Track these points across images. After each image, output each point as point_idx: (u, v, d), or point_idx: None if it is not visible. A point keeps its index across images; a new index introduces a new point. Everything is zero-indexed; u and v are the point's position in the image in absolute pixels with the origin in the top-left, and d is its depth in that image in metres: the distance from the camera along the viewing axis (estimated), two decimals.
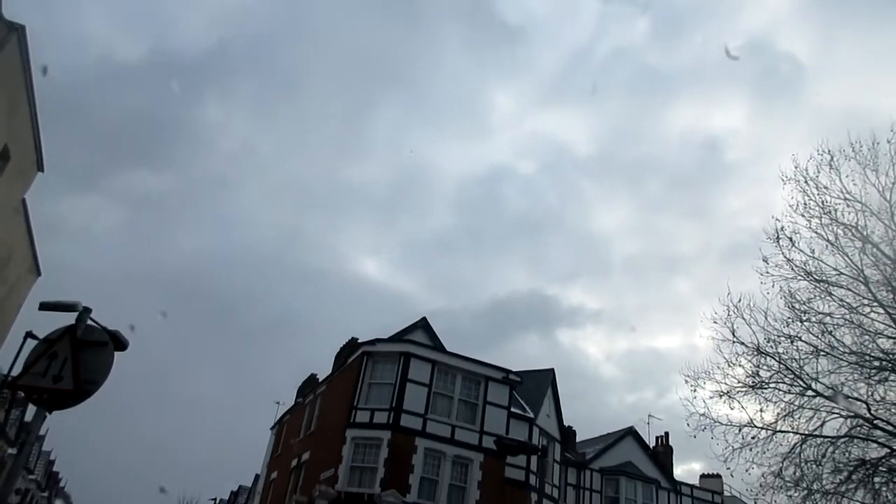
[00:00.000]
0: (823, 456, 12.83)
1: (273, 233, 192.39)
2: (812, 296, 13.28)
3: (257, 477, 42.99)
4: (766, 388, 13.37)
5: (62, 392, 4.96)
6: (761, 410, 13.71)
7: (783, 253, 13.54)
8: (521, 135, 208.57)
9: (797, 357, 13.12)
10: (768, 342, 13.39)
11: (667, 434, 39.87)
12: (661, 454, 38.26)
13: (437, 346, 26.55)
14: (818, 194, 13.39)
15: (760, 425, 13.28)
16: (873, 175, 12.97)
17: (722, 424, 13.49)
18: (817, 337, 13.00)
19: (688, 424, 13.77)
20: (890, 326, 12.50)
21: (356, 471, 23.05)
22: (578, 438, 38.01)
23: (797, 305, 13.28)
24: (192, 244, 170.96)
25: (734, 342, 13.76)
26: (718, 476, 38.53)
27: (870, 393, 12.70)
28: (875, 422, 12.44)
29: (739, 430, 13.31)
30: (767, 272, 13.72)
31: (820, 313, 13.08)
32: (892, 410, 12.65)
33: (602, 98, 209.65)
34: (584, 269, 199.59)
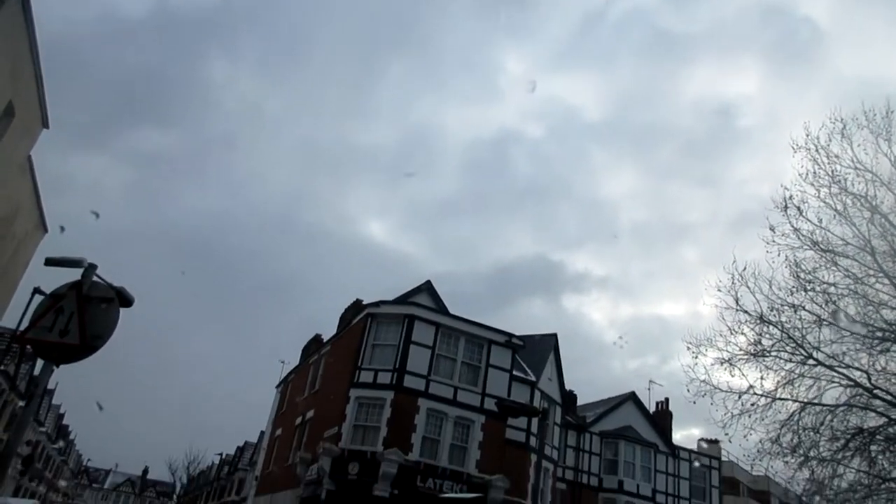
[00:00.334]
0: (821, 424, 12.95)
1: (280, 194, 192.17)
2: (818, 265, 13.24)
3: (262, 434, 43.85)
4: (767, 357, 13.42)
5: (69, 346, 5.02)
6: (762, 378, 13.81)
7: (790, 222, 13.45)
8: (530, 99, 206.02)
9: (800, 326, 13.14)
10: (772, 311, 13.40)
11: (667, 400, 40.39)
12: (661, 419, 38.78)
13: (441, 308, 26.71)
14: (828, 163, 13.25)
15: (760, 393, 13.38)
16: (886, 144, 12.80)
17: (722, 391, 13.60)
18: (821, 306, 13.01)
19: (688, 391, 13.88)
20: (894, 297, 12.48)
21: (359, 429, 23.46)
22: (580, 402, 38.51)
23: (802, 275, 13.24)
24: (199, 204, 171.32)
25: (737, 310, 13.78)
26: (717, 441, 39.04)
27: (871, 363, 12.76)
28: (875, 391, 12.51)
29: (739, 397, 13.42)
30: (774, 241, 13.66)
31: (825, 283, 13.06)
32: (893, 380, 12.71)
33: (613, 62, 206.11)
34: (590, 235, 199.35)
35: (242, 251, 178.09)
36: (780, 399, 13.26)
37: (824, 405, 13.00)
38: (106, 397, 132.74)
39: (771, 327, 13.37)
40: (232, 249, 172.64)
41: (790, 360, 13.22)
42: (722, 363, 13.74)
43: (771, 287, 13.52)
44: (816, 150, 13.38)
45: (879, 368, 12.73)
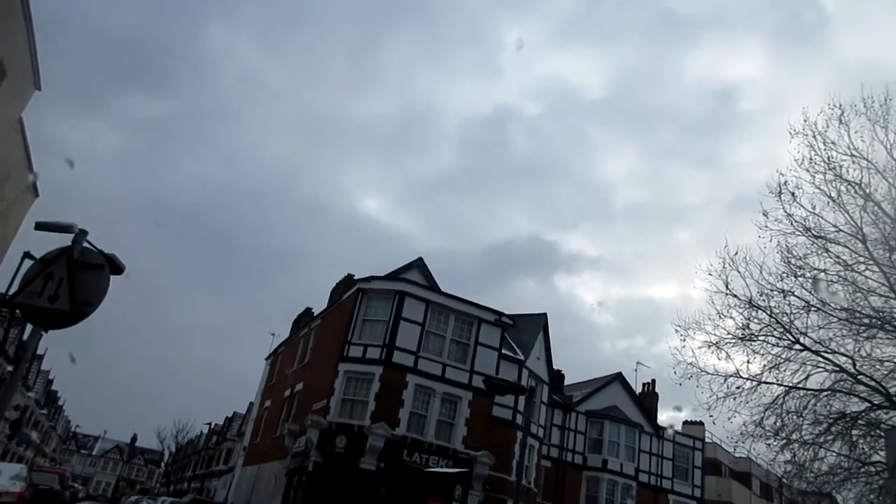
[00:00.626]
0: (805, 408, 13.12)
1: (276, 165, 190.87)
2: (809, 251, 13.29)
3: (251, 405, 44.08)
4: (754, 341, 13.54)
5: (58, 312, 4.98)
6: (748, 362, 13.97)
7: (784, 207, 13.48)
8: (531, 76, 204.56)
9: (788, 311, 13.24)
10: (761, 296, 13.49)
11: (653, 381, 40.84)
12: (647, 400, 39.23)
13: (433, 286, 26.75)
14: (825, 149, 13.24)
15: (746, 376, 13.53)
16: (882, 132, 12.78)
17: (708, 374, 13.74)
18: (810, 292, 13.10)
19: (675, 372, 14.01)
20: (883, 285, 12.57)
21: (347, 403, 23.60)
22: (567, 382, 38.86)
23: (793, 260, 13.31)
24: (194, 173, 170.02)
25: (727, 294, 13.86)
26: (701, 423, 39.65)
27: (857, 349, 12.90)
28: (859, 377, 12.67)
29: (725, 380, 13.56)
30: (766, 226, 13.70)
31: (815, 269, 13.13)
32: (877, 367, 12.87)
33: (617, 41, 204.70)
34: (586, 215, 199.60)
35: (237, 222, 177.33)
36: (766, 383, 13.41)
37: (809, 389, 13.17)
38: (96, 364, 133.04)
39: (759, 312, 13.48)
40: (226, 220, 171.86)
41: (777, 345, 13.36)
42: (709, 346, 13.86)
43: (761, 272, 13.60)
44: (814, 136, 13.38)
45: (865, 354, 12.88)
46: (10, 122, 17.29)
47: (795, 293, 13.15)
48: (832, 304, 12.94)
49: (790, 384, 13.21)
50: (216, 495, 42.60)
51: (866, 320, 12.62)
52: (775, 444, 13.33)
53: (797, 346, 13.14)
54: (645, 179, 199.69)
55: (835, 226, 13.07)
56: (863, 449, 12.98)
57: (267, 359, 40.69)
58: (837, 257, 12.94)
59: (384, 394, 23.29)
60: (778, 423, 13.15)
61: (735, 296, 13.74)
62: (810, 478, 13.78)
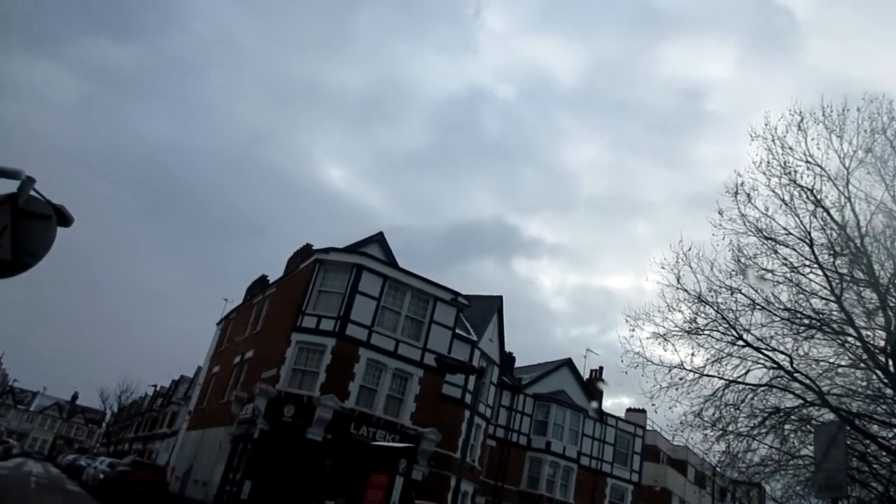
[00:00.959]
0: (742, 401, 13.60)
1: (239, 128, 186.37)
2: (759, 252, 13.69)
3: (199, 369, 43.46)
4: (700, 335, 13.93)
5: None
6: (692, 355, 14.41)
7: (739, 208, 13.83)
8: (507, 58, 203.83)
9: (734, 308, 13.65)
10: (710, 292, 13.86)
11: (601, 368, 41.78)
12: (594, 386, 40.15)
13: (391, 261, 26.66)
14: (782, 154, 13.57)
15: (690, 368, 13.92)
16: (838, 141, 13.14)
17: (654, 364, 14.09)
18: (756, 291, 13.52)
19: (622, 361, 14.34)
20: (825, 288, 13.05)
21: (298, 373, 23.48)
22: (518, 364, 39.43)
23: (743, 260, 13.71)
24: (153, 130, 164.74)
25: (678, 288, 14.20)
26: (643, 411, 40.87)
27: (795, 348, 13.40)
28: (795, 374, 13.18)
29: (669, 371, 13.93)
30: (721, 225, 14.05)
31: (763, 269, 13.55)
32: (812, 366, 13.41)
33: (594, 31, 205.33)
34: (549, 202, 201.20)
35: (196, 183, 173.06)
36: (708, 375, 13.83)
37: (747, 384, 13.63)
38: (39, 318, 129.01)
39: (707, 307, 13.86)
40: (185, 180, 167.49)
41: (721, 340, 13.76)
42: (657, 338, 14.20)
43: (712, 269, 13.96)
44: (773, 140, 13.69)
45: (802, 354, 13.40)
46: None
47: (743, 291, 13.57)
48: (776, 304, 13.39)
49: (730, 378, 13.65)
50: (158, 458, 42.04)
51: (806, 321, 13.11)
52: (712, 434, 13.82)
53: (740, 342, 13.57)
54: (609, 171, 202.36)
55: (785, 228, 13.47)
56: (793, 443, 13.57)
57: (218, 324, 40.09)
58: (785, 259, 13.36)
59: (335, 366, 23.24)
60: (716, 415, 13.61)
61: (685, 290, 14.10)
62: (742, 468, 14.37)
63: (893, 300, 12.25)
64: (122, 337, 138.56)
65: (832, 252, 12.96)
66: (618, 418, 40.41)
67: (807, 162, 13.29)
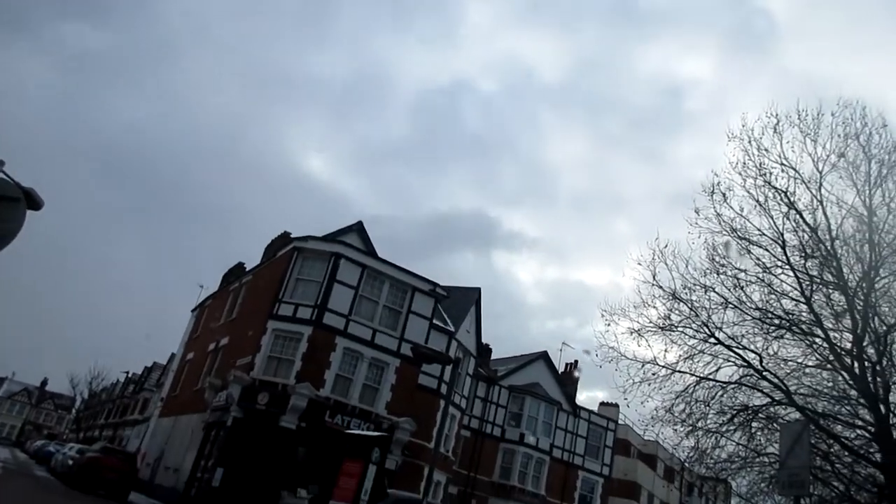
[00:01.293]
0: (713, 398, 13.84)
1: (217, 114, 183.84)
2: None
3: (173, 356, 43.04)
4: (674, 331, 14.12)
5: None
6: (665, 351, 14.63)
7: (714, 207, 14.00)
8: (489, 51, 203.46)
9: (707, 306, 13.84)
10: (684, 289, 14.05)
11: (576, 362, 42.23)
12: (568, 380, 40.57)
13: (370, 251, 26.60)
14: (758, 155, 13.75)
15: (662, 364, 14.12)
16: (812, 145, 13.34)
17: (628, 359, 14.27)
18: (729, 290, 13.74)
19: (597, 355, 14.50)
20: (795, 289, 13.28)
21: (273, 361, 23.38)
22: (494, 356, 39.68)
23: (717, 259, 13.91)
24: (129, 115, 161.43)
25: (653, 285, 14.36)
26: (616, 405, 41.37)
27: (765, 347, 13.65)
28: (764, 373, 13.43)
29: (642, 366, 14.12)
30: (697, 223, 14.21)
31: (736, 268, 13.76)
32: (781, 365, 13.67)
33: (577, 26, 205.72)
34: (530, 196, 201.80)
35: (173, 170, 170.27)
36: (680, 371, 14.04)
37: (718, 381, 13.86)
38: (7, 303, 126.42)
39: (681, 304, 14.04)
40: (162, 167, 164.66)
41: (694, 337, 13.96)
42: (632, 333, 14.37)
43: (687, 266, 14.13)
44: (749, 142, 13.86)
45: (772, 353, 13.64)
46: None
47: (716, 289, 13.77)
48: (748, 303, 13.62)
49: (702, 375, 13.86)
50: (129, 445, 41.62)
51: (777, 321, 13.35)
52: (682, 429, 14.03)
53: (712, 340, 13.78)
54: (590, 167, 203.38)
55: (759, 229, 13.67)
56: (760, 441, 13.83)
57: (193, 311, 39.71)
58: (758, 259, 13.58)
59: (312, 354, 23.17)
60: (686, 411, 13.82)
61: (661, 287, 14.27)
62: (710, 464, 14.64)
63: (861, 303, 12.51)
64: (94, 323, 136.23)
65: (803, 254, 13.20)
66: (591, 412, 40.90)
67: (781, 164, 13.49)
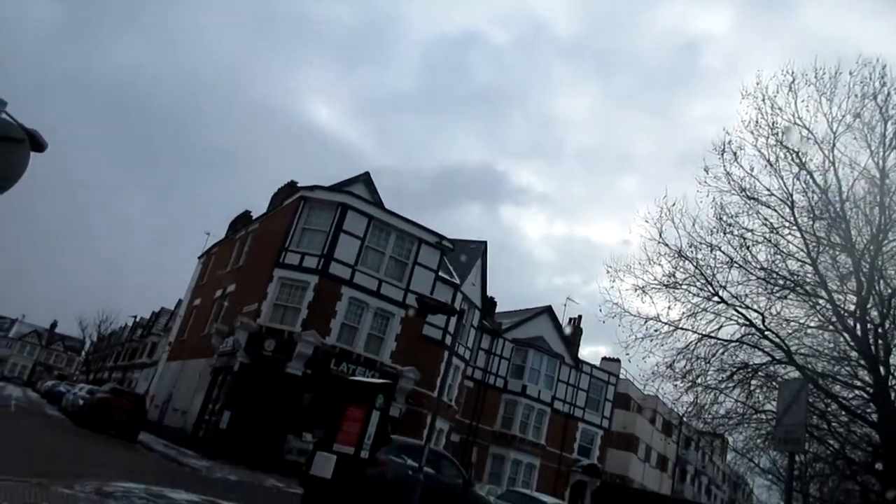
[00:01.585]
0: (713, 356, 13.98)
1: (223, 57, 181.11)
2: (740, 211, 13.80)
3: (180, 301, 43.58)
4: (678, 289, 14.17)
5: None
6: (669, 308, 14.77)
7: (724, 166, 13.84)
8: (500, 2, 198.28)
9: (712, 265, 13.86)
10: (690, 247, 14.02)
11: (580, 317, 42.56)
12: (572, 334, 40.94)
13: (377, 201, 26.56)
14: (771, 114, 13.50)
15: (665, 321, 14.23)
16: (827, 104, 13.07)
17: (631, 315, 14.37)
18: (735, 249, 13.70)
19: (600, 310, 14.60)
20: (801, 250, 13.24)
21: (279, 308, 23.63)
22: (498, 309, 39.98)
23: (724, 218, 13.80)
24: (134, 56, 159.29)
25: (659, 242, 14.34)
26: (618, 360, 41.88)
27: (768, 307, 13.71)
28: (766, 332, 13.52)
29: (645, 323, 14.23)
30: (706, 182, 14.08)
31: (743, 228, 13.68)
32: (783, 325, 13.76)
33: None
34: (538, 151, 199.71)
35: (180, 114, 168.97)
36: (682, 329, 14.15)
37: (719, 339, 13.97)
38: (17, 245, 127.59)
39: (686, 262, 14.04)
40: (169, 111, 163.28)
41: (698, 295, 14.02)
42: (636, 290, 14.43)
43: (694, 225, 14.08)
44: (763, 100, 13.60)
45: (774, 313, 13.71)
46: None
47: (722, 248, 13.73)
48: (753, 263, 13.59)
49: (704, 332, 13.97)
50: (137, 387, 42.54)
51: (781, 281, 13.36)
52: (682, 385, 14.23)
53: (715, 298, 13.83)
54: (599, 122, 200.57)
55: (768, 189, 13.54)
56: (758, 398, 14.02)
57: (200, 257, 39.98)
58: (765, 219, 13.49)
59: (317, 303, 23.40)
60: (687, 367, 13.98)
61: (666, 244, 14.25)
62: (708, 419, 14.90)
63: (867, 266, 12.47)
64: (104, 267, 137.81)
65: (812, 215, 13.10)
66: (593, 366, 41.40)
67: (795, 124, 13.25)
